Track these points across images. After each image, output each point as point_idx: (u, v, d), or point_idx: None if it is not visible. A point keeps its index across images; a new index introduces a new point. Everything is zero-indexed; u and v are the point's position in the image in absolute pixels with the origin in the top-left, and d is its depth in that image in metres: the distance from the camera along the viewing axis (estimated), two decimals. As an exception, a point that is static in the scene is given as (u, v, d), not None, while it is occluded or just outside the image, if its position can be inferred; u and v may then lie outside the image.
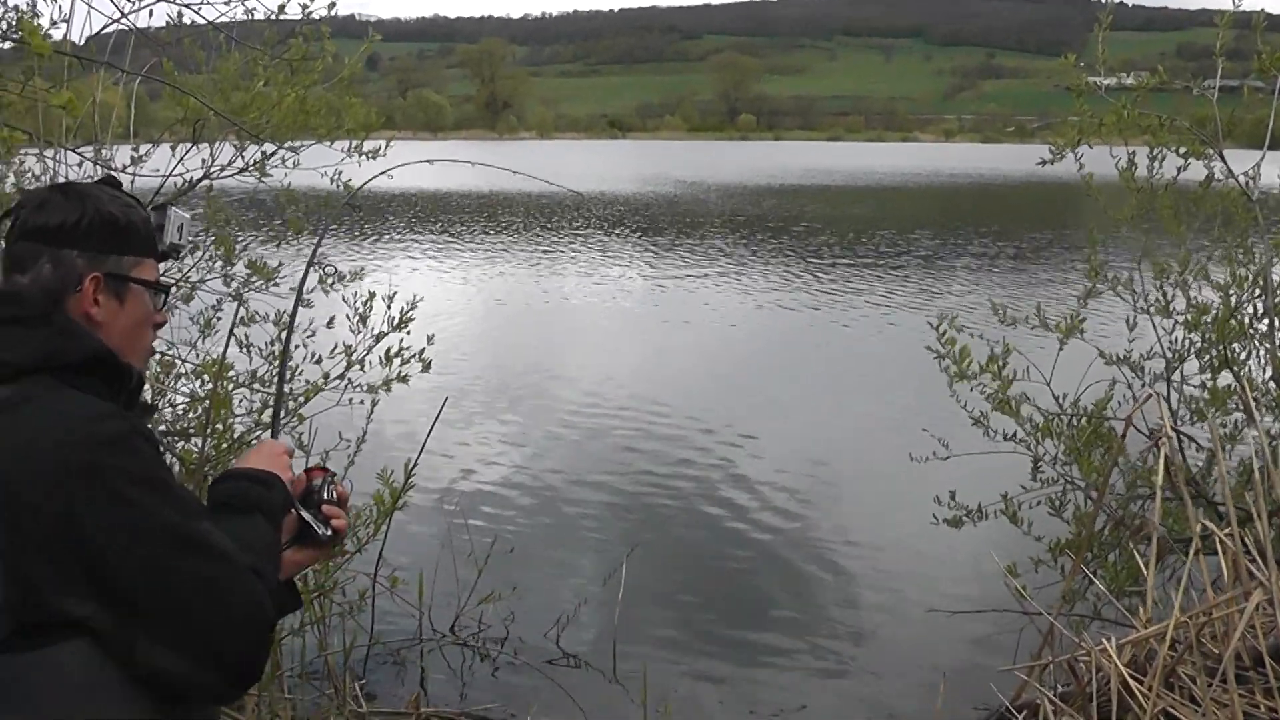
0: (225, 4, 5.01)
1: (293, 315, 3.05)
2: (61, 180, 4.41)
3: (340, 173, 5.47)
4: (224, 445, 5.01)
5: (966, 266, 25.66)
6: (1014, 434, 5.93)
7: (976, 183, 67.36)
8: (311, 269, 3.09)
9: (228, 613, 1.90)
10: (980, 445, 5.97)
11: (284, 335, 2.98)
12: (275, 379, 2.82)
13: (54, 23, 4.61)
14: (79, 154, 4.68)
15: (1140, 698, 3.83)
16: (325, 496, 2.37)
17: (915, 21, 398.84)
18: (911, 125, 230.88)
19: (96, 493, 1.82)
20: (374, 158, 5.50)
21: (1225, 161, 5.74)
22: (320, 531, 2.32)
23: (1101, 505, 5.38)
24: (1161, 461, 4.57)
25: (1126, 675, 3.91)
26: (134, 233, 2.17)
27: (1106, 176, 6.00)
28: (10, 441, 1.84)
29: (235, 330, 5.16)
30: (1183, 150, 5.76)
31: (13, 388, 1.92)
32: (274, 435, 2.60)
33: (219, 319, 5.50)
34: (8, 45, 4.36)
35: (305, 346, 5.29)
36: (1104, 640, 4.14)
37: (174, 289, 5.23)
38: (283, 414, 2.84)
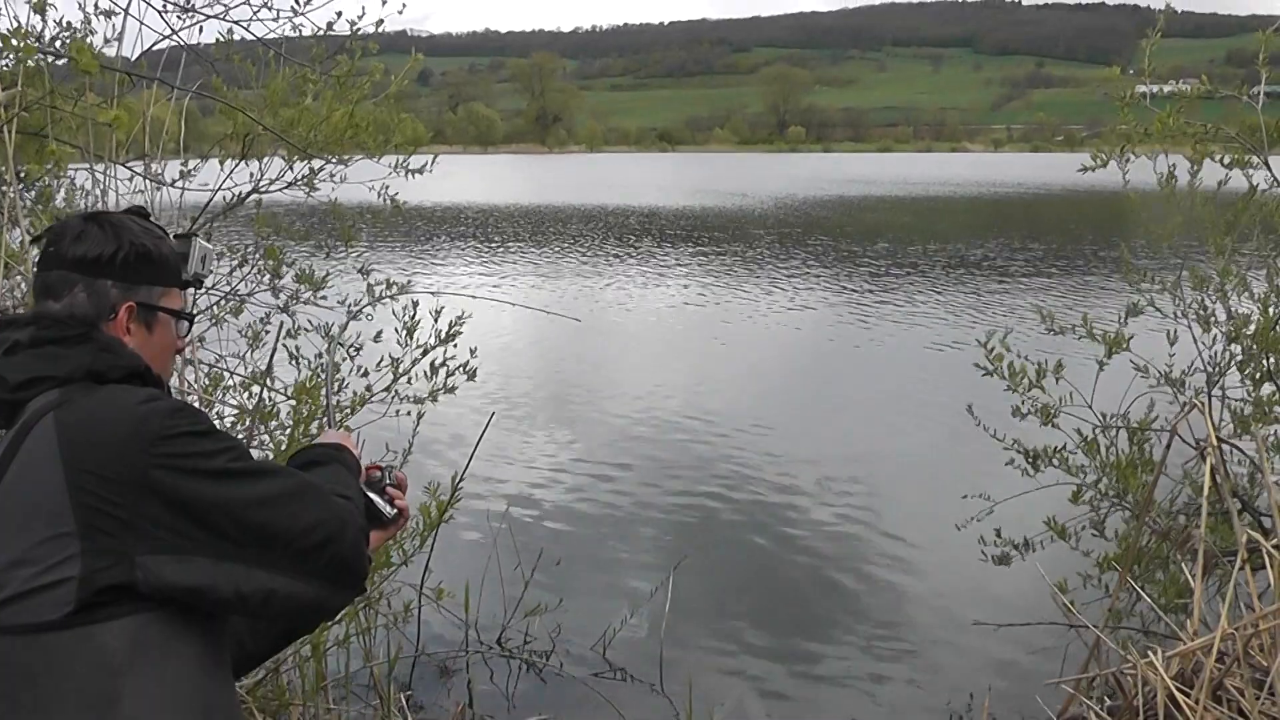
0: (274, 20, 5.10)
1: (329, 351, 3.10)
2: (108, 196, 4.49)
3: (387, 187, 5.51)
4: (273, 456, 5.04)
5: (1008, 278, 25.47)
6: (1062, 447, 5.89)
7: (1017, 192, 66.93)
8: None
9: (310, 518, 2.01)
10: (1024, 463, 5.95)
11: (330, 347, 3.09)
12: (324, 387, 2.94)
13: (107, 40, 4.71)
14: (129, 169, 4.75)
15: (1187, 711, 3.80)
16: (388, 481, 2.53)
17: (965, 31, 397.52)
18: (960, 135, 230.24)
19: (169, 454, 1.92)
20: (421, 173, 5.54)
21: (1271, 170, 5.65)
22: (387, 511, 2.46)
23: (1146, 519, 5.32)
24: (1208, 473, 4.53)
25: (1173, 688, 3.88)
26: (164, 264, 2.30)
27: (1150, 185, 5.93)
28: (70, 430, 1.94)
29: (284, 342, 5.21)
30: (1227, 160, 5.67)
31: (59, 391, 2.04)
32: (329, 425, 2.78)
33: (267, 331, 5.56)
34: (61, 62, 4.44)
35: (351, 360, 5.33)
36: (1150, 653, 4.11)
37: (223, 301, 5.32)
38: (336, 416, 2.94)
